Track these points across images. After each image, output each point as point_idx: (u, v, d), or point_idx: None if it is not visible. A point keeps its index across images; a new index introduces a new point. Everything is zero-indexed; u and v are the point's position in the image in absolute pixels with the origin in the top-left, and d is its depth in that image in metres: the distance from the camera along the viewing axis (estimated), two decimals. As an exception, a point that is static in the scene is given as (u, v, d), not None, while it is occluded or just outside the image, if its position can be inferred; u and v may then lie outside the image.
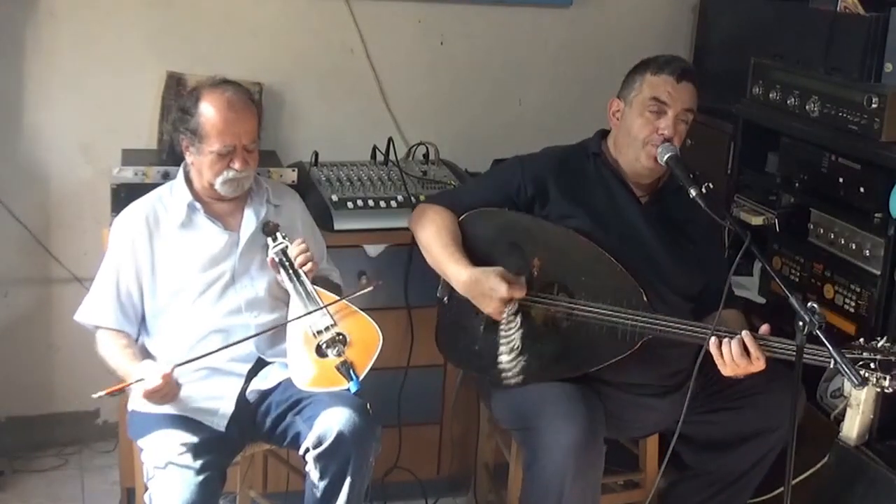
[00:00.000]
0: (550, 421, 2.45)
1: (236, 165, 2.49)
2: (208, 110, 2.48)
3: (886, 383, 2.25)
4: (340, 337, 2.39)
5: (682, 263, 2.61)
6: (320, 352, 2.38)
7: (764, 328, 2.37)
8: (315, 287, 2.49)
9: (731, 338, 2.34)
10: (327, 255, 2.79)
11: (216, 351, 2.42)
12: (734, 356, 2.32)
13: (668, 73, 2.57)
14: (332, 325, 2.41)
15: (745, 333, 2.33)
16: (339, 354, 2.36)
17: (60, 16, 3.18)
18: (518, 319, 2.52)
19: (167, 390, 2.30)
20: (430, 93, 3.60)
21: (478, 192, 2.74)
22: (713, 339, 2.35)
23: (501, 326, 2.52)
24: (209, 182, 2.52)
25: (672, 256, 2.60)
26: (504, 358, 2.49)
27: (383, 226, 3.02)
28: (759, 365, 2.33)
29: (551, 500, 2.43)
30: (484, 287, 2.50)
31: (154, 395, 2.29)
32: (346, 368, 2.32)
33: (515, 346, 2.50)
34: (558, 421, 2.43)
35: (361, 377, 2.31)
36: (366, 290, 2.50)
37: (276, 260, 2.51)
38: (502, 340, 2.51)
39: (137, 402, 2.41)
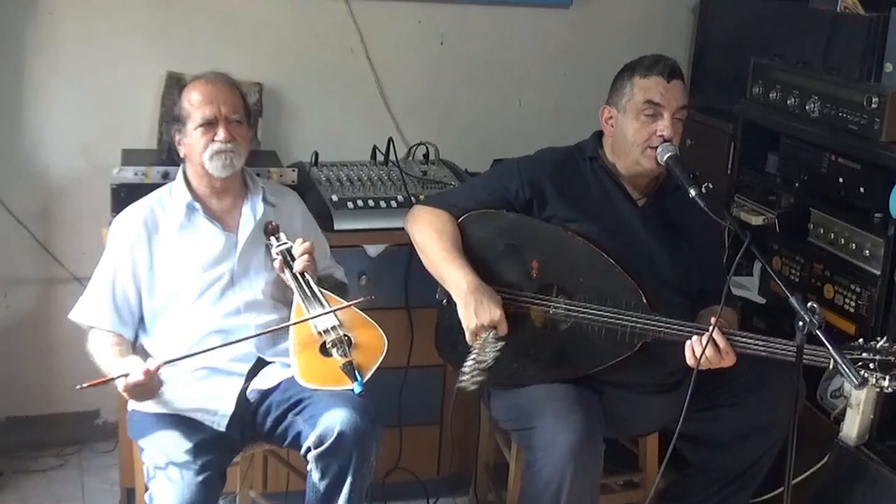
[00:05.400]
0: (549, 421, 2.45)
1: (220, 135, 2.49)
2: (189, 93, 2.53)
3: (886, 384, 2.26)
4: (346, 338, 2.40)
5: (681, 264, 2.61)
6: (325, 350, 2.39)
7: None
8: (321, 289, 2.49)
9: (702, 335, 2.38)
10: (330, 253, 2.79)
11: (207, 350, 2.42)
12: (706, 354, 2.36)
13: (658, 74, 2.56)
14: (337, 326, 2.42)
15: (715, 331, 2.36)
16: (344, 355, 2.36)
17: (60, 15, 3.18)
18: (498, 346, 2.45)
19: (149, 386, 2.29)
20: (430, 93, 3.60)
21: (475, 194, 2.73)
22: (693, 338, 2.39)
23: (476, 344, 2.49)
24: (200, 164, 2.52)
25: (670, 257, 2.61)
26: (468, 365, 2.43)
27: (383, 226, 3.02)
28: (729, 360, 2.38)
29: (550, 499, 2.43)
30: (482, 298, 2.49)
31: (135, 391, 2.29)
32: (351, 369, 2.32)
33: (484, 364, 2.43)
34: (557, 421, 2.44)
35: (365, 380, 2.32)
36: (361, 300, 2.49)
37: (282, 260, 2.52)
38: (475, 350, 2.46)
39: (140, 403, 2.41)
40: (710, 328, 2.36)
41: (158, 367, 2.30)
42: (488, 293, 2.52)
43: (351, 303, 2.49)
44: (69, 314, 2.56)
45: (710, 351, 2.36)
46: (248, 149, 2.59)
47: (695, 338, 2.39)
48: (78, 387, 2.25)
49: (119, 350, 2.46)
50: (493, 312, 2.48)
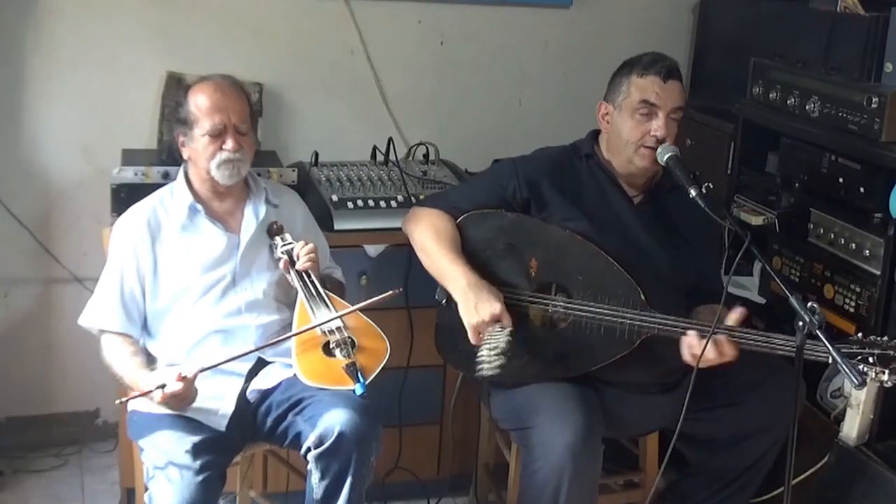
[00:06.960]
0: (548, 420, 2.45)
1: (228, 145, 2.48)
2: (196, 96, 2.51)
3: (885, 377, 2.26)
4: (350, 340, 2.40)
5: (678, 261, 2.62)
6: (328, 350, 2.39)
7: (734, 317, 2.39)
8: (326, 291, 2.50)
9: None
10: (329, 254, 2.79)
11: (244, 354, 2.41)
12: (707, 354, 2.36)
13: (655, 74, 2.56)
14: (342, 328, 2.42)
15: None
16: (347, 356, 2.36)
17: (60, 15, 3.18)
18: (507, 332, 2.46)
19: (186, 394, 2.30)
20: (430, 93, 3.60)
21: (472, 194, 2.73)
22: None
23: (486, 337, 2.50)
24: (205, 170, 2.51)
25: (667, 255, 2.61)
26: (483, 355, 2.42)
27: (383, 226, 3.02)
28: (730, 354, 2.37)
29: (549, 499, 2.43)
30: (481, 295, 2.49)
31: (172, 401, 2.30)
32: (354, 370, 2.32)
33: (499, 349, 2.41)
34: (555, 420, 2.44)
35: (367, 382, 2.32)
36: (385, 296, 2.49)
37: (286, 259, 2.52)
38: (489, 340, 2.46)
39: (139, 403, 2.41)
40: (711, 328, 2.36)
41: (195, 375, 2.31)
42: (487, 289, 2.52)
43: (357, 306, 2.48)
44: (78, 320, 2.54)
45: (711, 351, 2.35)
46: (252, 155, 2.59)
47: (692, 334, 2.39)
48: (117, 402, 2.30)
49: (140, 361, 2.46)
50: (494, 306, 2.48)
